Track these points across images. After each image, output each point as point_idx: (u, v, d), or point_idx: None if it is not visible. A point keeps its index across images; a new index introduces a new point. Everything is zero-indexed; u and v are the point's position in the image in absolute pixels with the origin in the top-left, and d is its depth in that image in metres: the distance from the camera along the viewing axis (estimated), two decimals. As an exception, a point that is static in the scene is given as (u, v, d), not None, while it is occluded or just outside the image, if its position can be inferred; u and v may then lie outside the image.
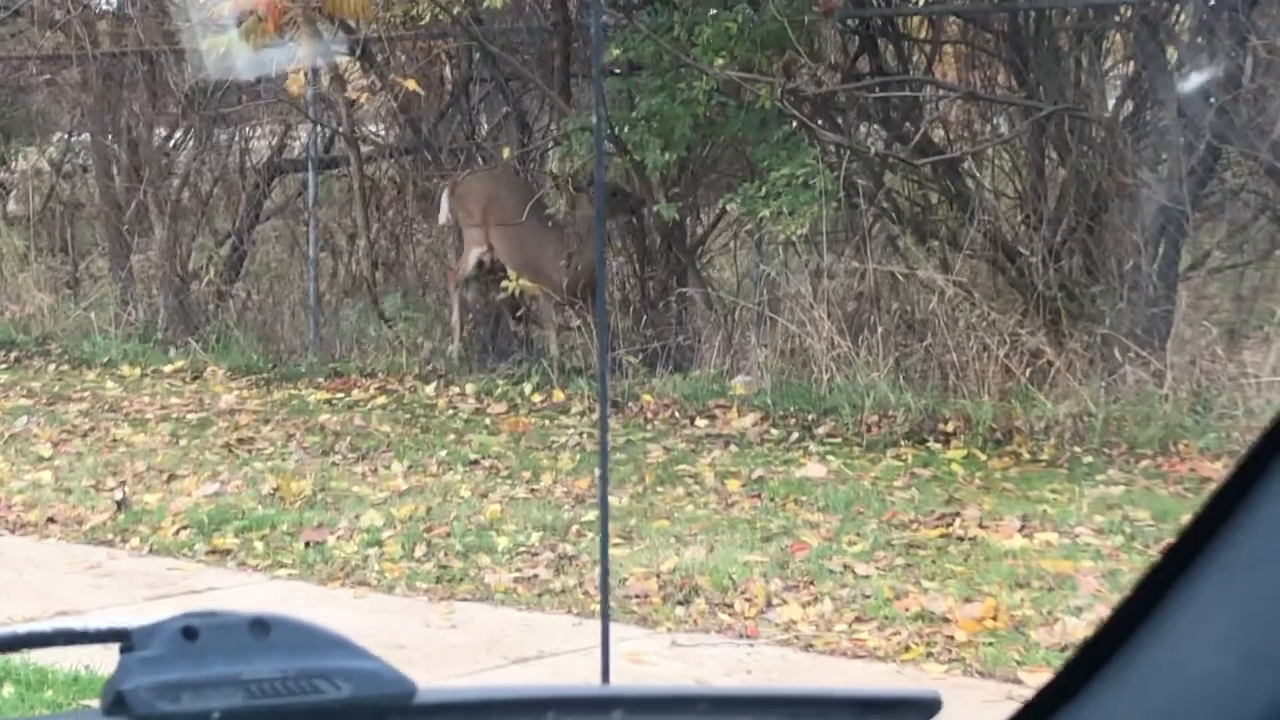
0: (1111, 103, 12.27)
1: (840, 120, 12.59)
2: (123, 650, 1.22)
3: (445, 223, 13.48)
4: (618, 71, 12.95)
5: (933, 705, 1.32)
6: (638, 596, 7.80)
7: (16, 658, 6.56)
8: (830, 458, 10.03)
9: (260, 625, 1.22)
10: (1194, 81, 11.28)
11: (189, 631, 1.21)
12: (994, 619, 7.24)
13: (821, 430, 10.66)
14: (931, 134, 12.26)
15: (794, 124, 11.98)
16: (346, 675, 1.22)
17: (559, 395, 11.91)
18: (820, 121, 12.01)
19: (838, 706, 1.33)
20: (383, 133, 14.99)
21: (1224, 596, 1.13)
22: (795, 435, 10.63)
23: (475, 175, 13.36)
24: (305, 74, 13.05)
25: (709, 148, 13.27)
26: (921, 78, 12.44)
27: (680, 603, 7.71)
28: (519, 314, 13.51)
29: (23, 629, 1.33)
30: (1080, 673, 1.21)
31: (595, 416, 11.42)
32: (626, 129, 12.13)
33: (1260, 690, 1.09)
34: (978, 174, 12.17)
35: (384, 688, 1.23)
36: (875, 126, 12.84)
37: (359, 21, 12.86)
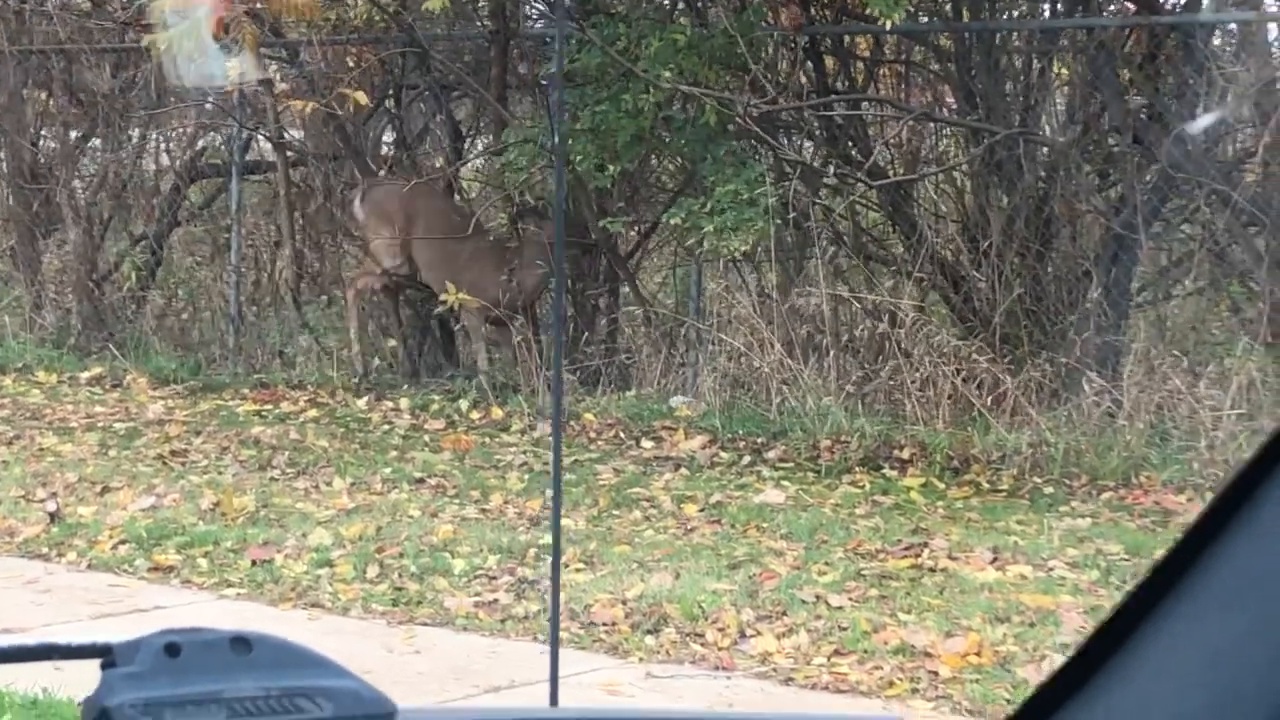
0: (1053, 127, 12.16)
1: (785, 139, 12.41)
2: (104, 666, 1.22)
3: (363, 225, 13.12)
4: (545, 84, 12.72)
5: None
6: (605, 624, 7.56)
7: (-29, 682, 6.22)
8: (785, 483, 9.81)
9: (242, 643, 1.22)
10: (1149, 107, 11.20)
11: (171, 648, 1.21)
12: (978, 654, 7.05)
13: (773, 454, 10.45)
14: (878, 156, 12.09)
15: (739, 140, 11.79)
16: (328, 694, 1.22)
17: (497, 413, 11.64)
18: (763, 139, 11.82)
19: None
20: (303, 138, 14.63)
21: (1194, 636, 1.11)
22: (746, 459, 10.42)
23: (393, 186, 13.02)
24: (236, 75, 12.69)
25: (651, 162, 13.07)
26: (878, 96, 12.28)
27: (649, 631, 7.48)
28: (454, 328, 13.22)
29: (4, 643, 1.33)
30: (1043, 711, 1.20)
31: (537, 435, 11.17)
32: (570, 141, 11.88)
33: None
34: (933, 196, 12.03)
35: (365, 708, 1.22)
36: (816, 146, 12.66)
37: (298, 21, 12.52)
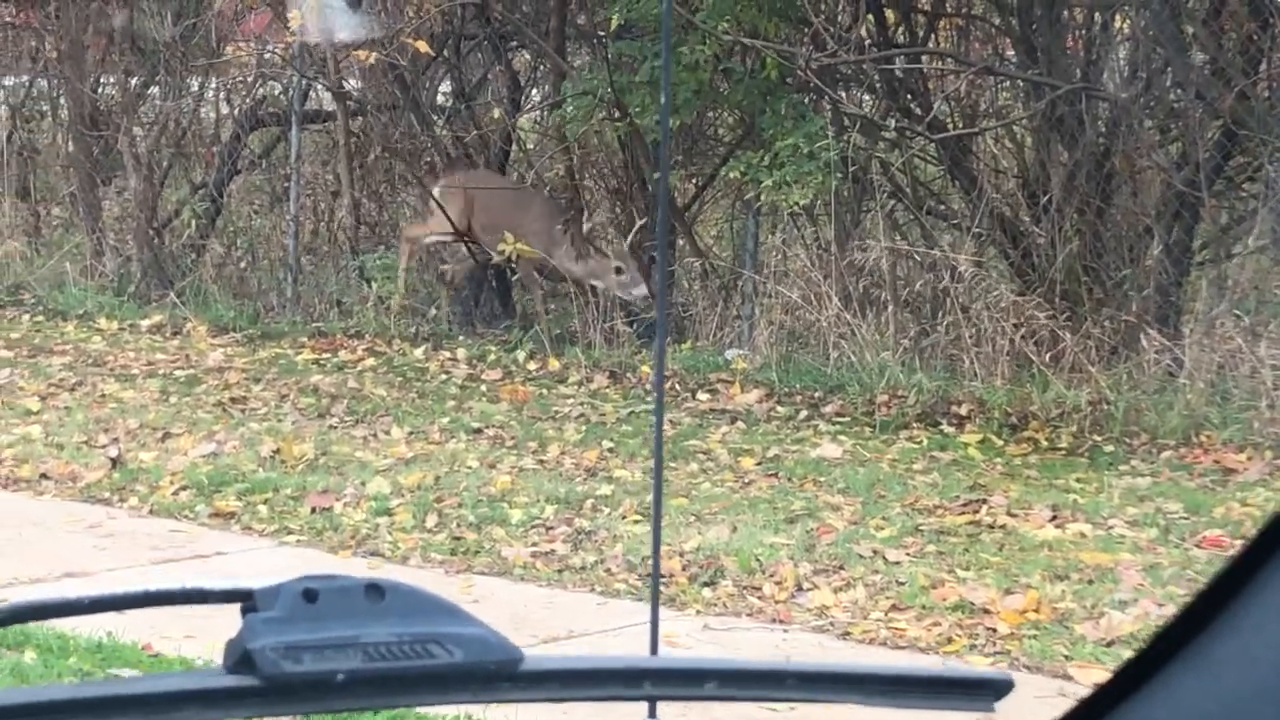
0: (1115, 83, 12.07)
1: (844, 93, 12.37)
2: (244, 611, 1.25)
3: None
4: (603, 35, 12.68)
5: (1005, 686, 1.34)
6: (663, 576, 7.57)
7: (37, 624, 6.28)
8: (842, 437, 9.81)
9: (375, 590, 1.25)
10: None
11: (309, 594, 1.24)
12: (1036, 611, 7.04)
13: (829, 409, 10.44)
14: (938, 110, 12.03)
15: (799, 94, 11.76)
16: (458, 641, 1.24)
17: (554, 364, 11.65)
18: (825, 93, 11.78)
19: (912, 684, 1.35)
20: (362, 88, 14.63)
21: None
22: (803, 413, 10.41)
23: (466, 174, 13.01)
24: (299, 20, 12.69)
25: (709, 115, 13.04)
26: (938, 50, 12.21)
27: (707, 584, 7.49)
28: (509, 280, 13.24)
29: (152, 588, 1.36)
30: (1137, 672, 1.21)
31: (593, 387, 11.18)
32: (629, 93, 11.87)
33: None
34: (993, 151, 11.97)
35: (493, 654, 1.25)
36: (876, 100, 12.61)
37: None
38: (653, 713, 1.63)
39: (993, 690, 1.34)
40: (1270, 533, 1.16)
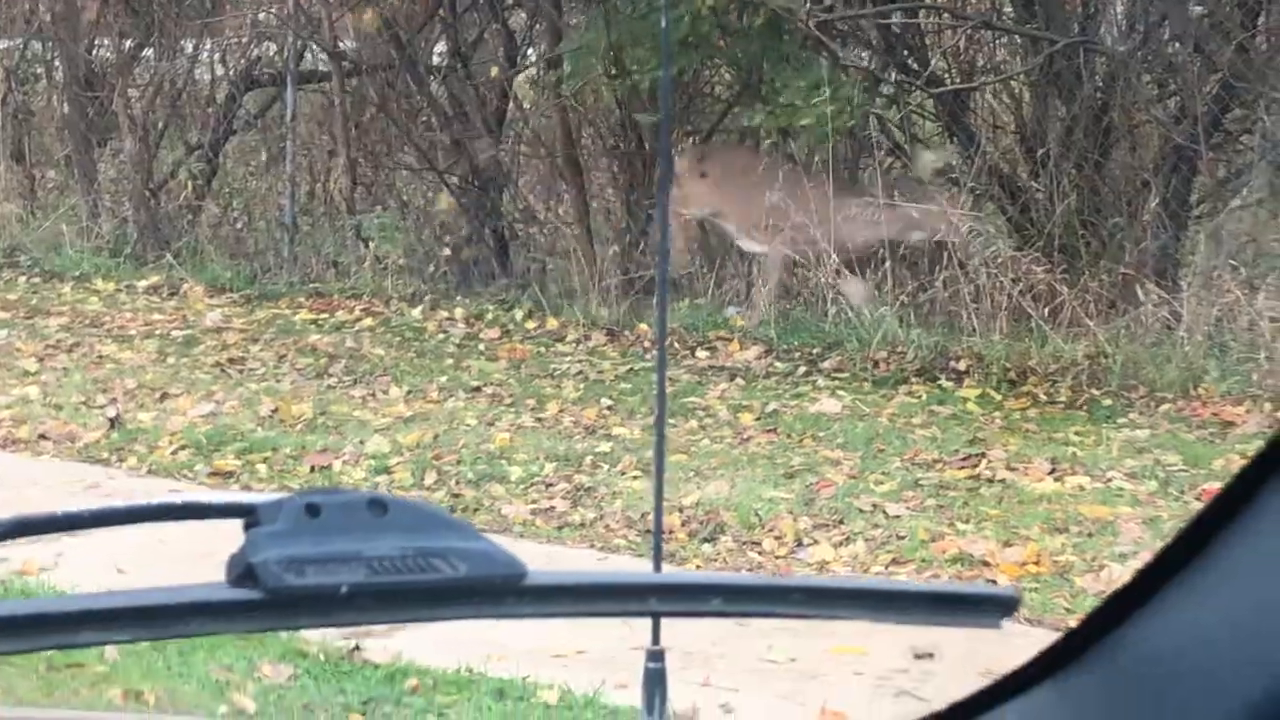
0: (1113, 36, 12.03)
1: (841, 48, 12.31)
2: (247, 526, 1.25)
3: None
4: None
5: (1012, 602, 1.35)
6: (662, 532, 7.56)
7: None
8: (841, 393, 9.80)
9: (378, 504, 1.25)
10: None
11: (312, 508, 1.24)
12: (1036, 564, 7.05)
13: (828, 365, 10.43)
14: (935, 66, 11.99)
15: (798, 45, 11.70)
16: (462, 555, 1.24)
17: (552, 322, 11.64)
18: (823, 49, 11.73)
19: (918, 600, 1.35)
20: (357, 48, 14.58)
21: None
22: (802, 369, 10.40)
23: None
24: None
25: (705, 73, 13.00)
26: (935, 5, 12.16)
27: (706, 539, 7.50)
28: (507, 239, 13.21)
29: (153, 502, 1.36)
30: (1114, 617, 1.23)
31: (592, 345, 11.17)
32: (625, 50, 11.81)
33: None
34: (991, 106, 11.94)
35: (498, 568, 1.25)
36: (873, 55, 12.56)
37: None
38: (656, 638, 1.62)
39: (1000, 607, 1.35)
40: (1264, 459, 1.16)
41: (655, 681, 1.62)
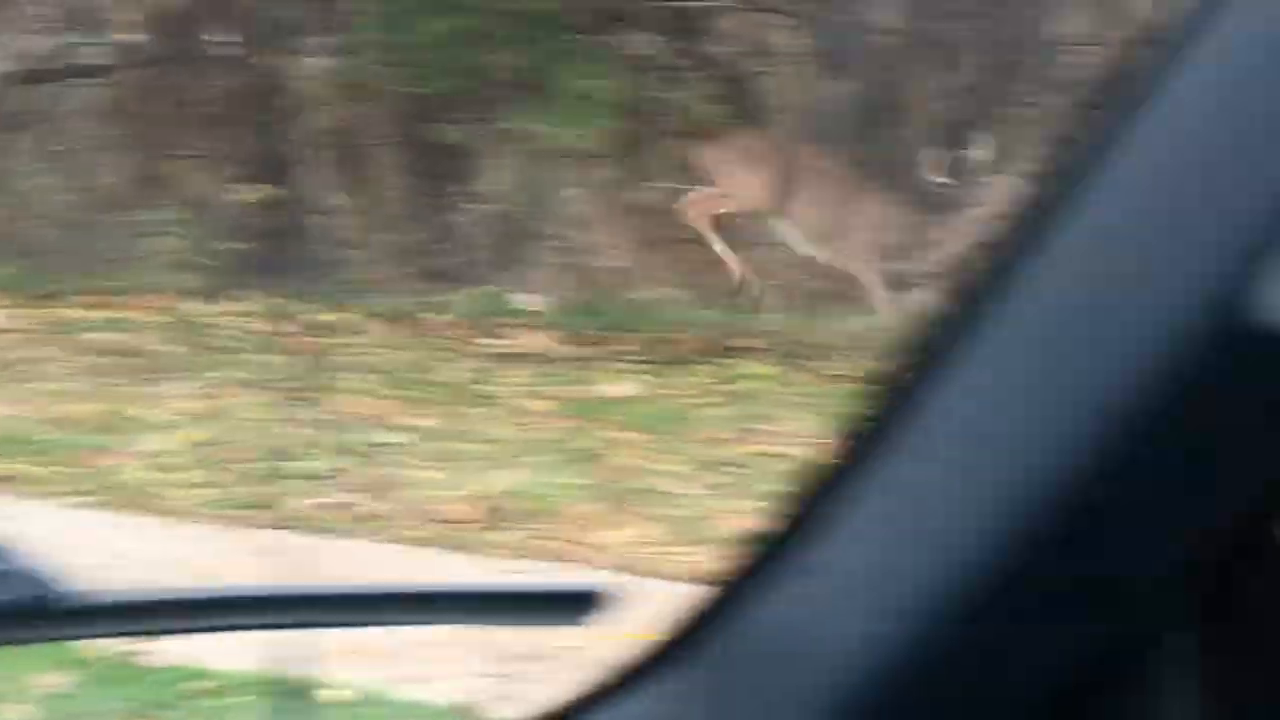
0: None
1: (623, 34, 12.35)
2: None
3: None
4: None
5: (596, 599, 1.30)
6: (454, 522, 7.57)
7: None
8: (633, 376, 9.84)
9: None
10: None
11: None
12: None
13: (618, 348, 10.46)
14: (713, 47, 12.06)
15: (578, 35, 11.72)
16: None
17: (343, 314, 11.53)
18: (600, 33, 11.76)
19: (508, 601, 1.34)
20: (137, 41, 14.32)
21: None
22: (592, 354, 10.42)
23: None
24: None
25: (482, 59, 12.95)
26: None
27: (500, 528, 7.49)
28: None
29: None
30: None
31: (382, 335, 11.09)
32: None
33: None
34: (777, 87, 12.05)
35: (28, 589, 1.20)
36: (654, 40, 12.59)
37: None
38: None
39: (584, 604, 1.31)
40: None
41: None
